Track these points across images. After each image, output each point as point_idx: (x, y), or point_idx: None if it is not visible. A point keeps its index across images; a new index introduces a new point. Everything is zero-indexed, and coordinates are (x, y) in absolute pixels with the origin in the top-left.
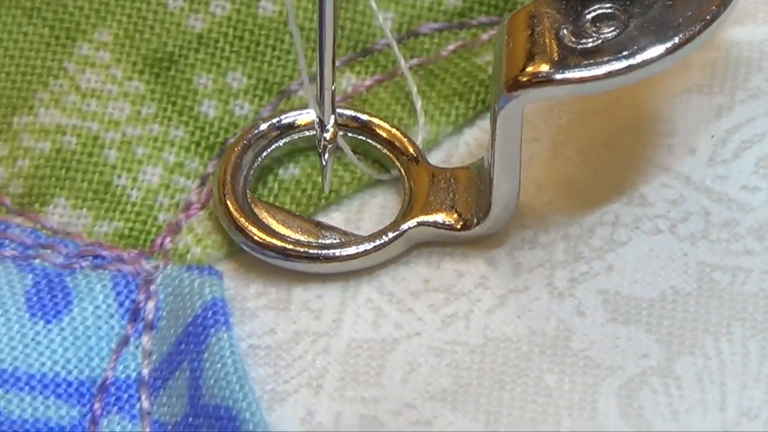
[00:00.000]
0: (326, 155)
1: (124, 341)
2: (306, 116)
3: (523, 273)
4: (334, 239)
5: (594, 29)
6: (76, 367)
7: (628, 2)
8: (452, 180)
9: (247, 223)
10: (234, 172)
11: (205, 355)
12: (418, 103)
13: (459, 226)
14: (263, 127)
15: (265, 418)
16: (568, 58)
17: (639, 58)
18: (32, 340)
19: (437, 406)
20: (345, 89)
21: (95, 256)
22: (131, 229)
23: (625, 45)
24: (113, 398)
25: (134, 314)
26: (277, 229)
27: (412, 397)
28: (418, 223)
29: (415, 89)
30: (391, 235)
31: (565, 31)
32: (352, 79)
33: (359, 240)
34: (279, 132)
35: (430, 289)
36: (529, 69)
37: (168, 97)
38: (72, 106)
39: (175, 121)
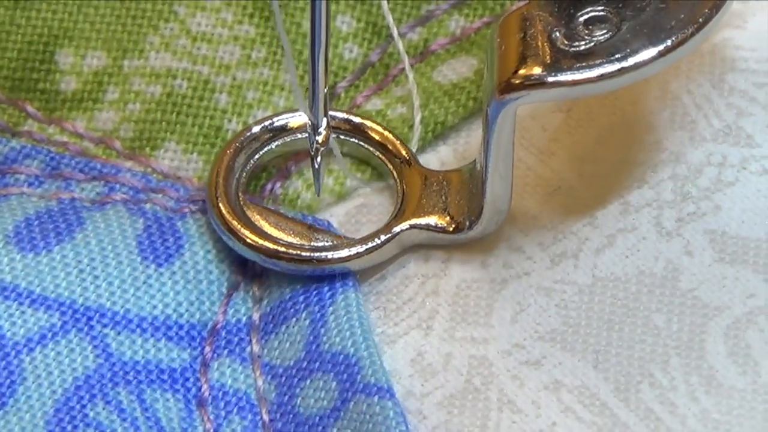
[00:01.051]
0: (318, 158)
1: (235, 286)
2: (298, 119)
3: (632, 212)
4: (326, 242)
5: (586, 32)
6: (187, 310)
7: (620, 5)
8: (444, 183)
9: (239, 226)
10: (226, 174)
11: (331, 309)
12: (417, 102)
13: (451, 229)
14: (255, 129)
15: (384, 366)
16: (560, 60)
17: (631, 61)
18: (144, 283)
19: (546, 346)
20: (453, 31)
21: (206, 201)
22: None
23: (617, 48)
24: (224, 341)
25: (245, 259)
26: (269, 232)
27: (522, 337)
28: (410, 225)
29: (415, 90)
30: (383, 237)
31: (557, 34)
32: (460, 21)
33: (351, 243)
34: (271, 134)
35: (539, 227)
36: (522, 72)
37: (278, 41)
38: (182, 50)
39: (285, 65)
